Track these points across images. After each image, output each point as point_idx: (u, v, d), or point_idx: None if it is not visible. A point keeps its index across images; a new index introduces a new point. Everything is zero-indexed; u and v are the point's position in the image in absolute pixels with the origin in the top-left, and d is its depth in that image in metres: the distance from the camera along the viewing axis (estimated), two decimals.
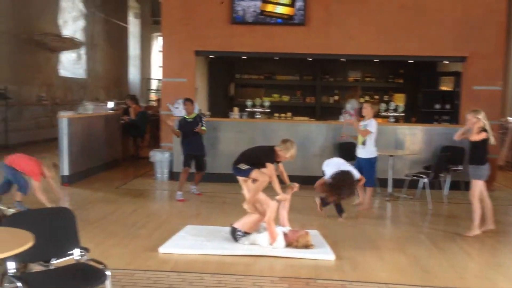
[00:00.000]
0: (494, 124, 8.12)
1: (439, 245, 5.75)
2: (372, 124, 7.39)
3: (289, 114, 11.61)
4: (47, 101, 15.19)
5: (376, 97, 12.80)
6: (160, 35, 13.47)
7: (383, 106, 9.53)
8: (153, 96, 22.38)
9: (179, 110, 9.22)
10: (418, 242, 5.88)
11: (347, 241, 5.78)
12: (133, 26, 21.80)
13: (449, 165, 8.17)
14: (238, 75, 13.23)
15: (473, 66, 9.28)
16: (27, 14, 14.08)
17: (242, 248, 5.33)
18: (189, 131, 7.73)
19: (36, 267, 3.59)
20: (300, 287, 4.42)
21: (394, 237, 6.18)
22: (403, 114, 9.90)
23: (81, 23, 17.47)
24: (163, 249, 5.22)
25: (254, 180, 5.64)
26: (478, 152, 6.13)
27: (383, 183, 8.29)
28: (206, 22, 9.44)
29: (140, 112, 12.21)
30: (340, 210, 6.82)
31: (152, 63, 23.84)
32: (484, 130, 6.06)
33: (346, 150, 8.23)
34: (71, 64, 17.35)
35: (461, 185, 8.44)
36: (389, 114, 9.34)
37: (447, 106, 11.31)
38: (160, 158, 9.21)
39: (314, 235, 5.69)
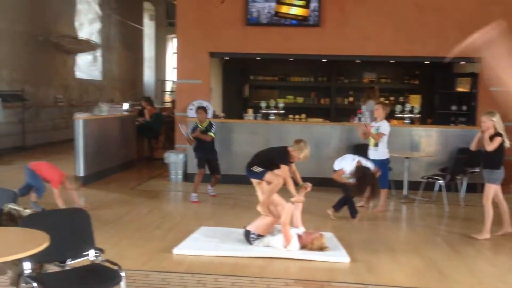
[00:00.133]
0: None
1: (456, 248, 5.68)
2: (384, 126, 7.32)
3: (303, 115, 11.56)
4: (64, 103, 15.35)
5: (392, 98, 12.69)
6: (174, 37, 13.52)
7: (398, 107, 9.44)
8: (167, 97, 22.49)
9: (194, 112, 9.23)
10: (435, 245, 5.81)
11: (362, 244, 5.73)
12: (148, 28, 21.93)
13: (466, 167, 8.07)
14: (253, 76, 13.22)
15: (490, 67, 9.14)
16: (44, 16, 14.24)
17: (257, 250, 5.31)
18: (200, 140, 7.75)
19: (51, 268, 3.61)
20: None
21: (410, 240, 6.12)
22: (418, 116, 9.80)
23: (97, 25, 17.63)
24: (177, 250, 5.23)
25: (268, 182, 5.62)
26: (493, 156, 6.03)
27: (398, 185, 8.21)
28: (220, 24, 9.44)
29: (154, 113, 12.27)
30: (353, 212, 6.76)
31: (166, 64, 23.97)
32: (498, 134, 5.97)
33: (361, 152, 8.15)
34: (87, 66, 17.51)
35: (478, 188, 8.33)
36: (404, 115, 9.25)
37: (464, 108, 11.18)
38: (174, 159, 9.23)
39: (328, 237, 5.65)
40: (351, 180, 6.60)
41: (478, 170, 8.16)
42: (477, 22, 9.59)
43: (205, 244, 5.44)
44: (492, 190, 6.02)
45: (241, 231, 5.67)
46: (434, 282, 4.66)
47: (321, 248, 5.27)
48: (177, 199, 8.42)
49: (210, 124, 7.90)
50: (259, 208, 5.60)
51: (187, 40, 9.58)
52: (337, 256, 5.19)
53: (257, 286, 4.41)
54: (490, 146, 5.94)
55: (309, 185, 5.72)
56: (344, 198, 6.81)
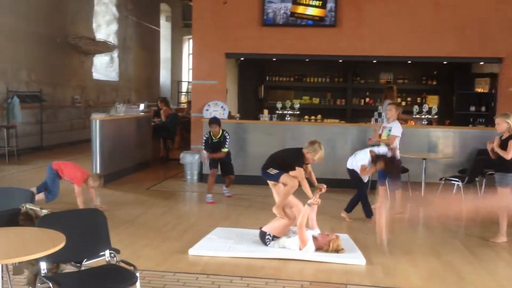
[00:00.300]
0: None
1: (475, 251, 5.58)
2: (396, 127, 7.23)
3: (319, 116, 11.50)
4: (81, 103, 15.49)
5: (409, 99, 12.57)
6: (190, 38, 13.54)
7: (416, 108, 9.34)
8: (183, 98, 22.59)
9: (209, 113, 9.25)
10: (453, 248, 5.72)
11: (378, 246, 5.66)
12: (165, 29, 22.04)
13: (485, 168, 7.94)
14: (268, 77, 13.19)
15: (510, 67, 9.01)
16: (62, 18, 14.39)
17: (272, 251, 5.28)
18: (216, 150, 7.73)
19: (68, 268, 3.63)
20: None
21: (427, 243, 6.03)
22: (436, 117, 9.69)
23: (114, 26, 17.77)
24: (192, 251, 5.22)
25: (284, 184, 5.59)
26: (505, 159, 5.92)
27: (416, 187, 8.11)
28: (236, 25, 9.44)
29: (170, 114, 12.31)
30: (369, 212, 6.68)
31: (182, 65, 24.06)
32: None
33: None
34: (104, 67, 17.66)
35: (497, 189, 8.18)
36: (422, 116, 9.14)
37: (483, 109, 11.03)
38: (190, 160, 9.24)
39: (344, 239, 5.60)
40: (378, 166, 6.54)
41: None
42: (496, 21, 9.51)
43: (220, 245, 5.42)
44: (505, 194, 5.90)
45: (256, 232, 5.65)
46: (453, 285, 4.58)
47: (337, 250, 5.23)
48: (193, 200, 8.43)
49: (224, 138, 7.78)
50: (274, 210, 5.57)
51: (203, 41, 9.59)
52: (353, 258, 5.14)
53: None
54: (508, 155, 5.82)
55: (324, 186, 5.66)
56: (356, 198, 6.75)
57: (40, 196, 6.75)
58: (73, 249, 3.32)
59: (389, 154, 6.64)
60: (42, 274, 3.21)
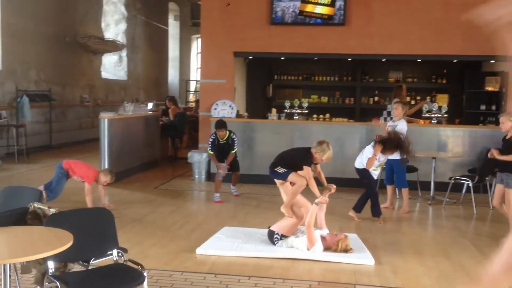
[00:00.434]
0: None
1: (485, 251, 5.52)
2: (403, 125, 7.18)
3: (327, 115, 11.46)
4: (89, 102, 15.56)
5: (418, 98, 12.48)
6: (199, 37, 13.55)
7: (425, 107, 9.26)
8: (191, 97, 22.61)
9: (217, 112, 9.24)
10: (462, 248, 5.66)
11: (387, 245, 5.63)
12: (173, 28, 22.07)
13: (495, 168, 7.85)
14: (277, 76, 13.16)
15: None
16: (71, 17, 14.45)
17: (280, 251, 5.25)
18: (221, 151, 7.75)
19: (75, 267, 3.63)
20: None
21: (436, 242, 5.97)
22: (446, 116, 9.60)
23: (123, 26, 17.82)
24: (200, 250, 5.21)
25: (292, 183, 5.57)
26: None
27: (425, 186, 8.06)
28: (245, 23, 9.42)
29: (178, 113, 12.32)
30: (377, 212, 6.64)
31: (191, 64, 24.09)
32: None
33: None
34: (112, 66, 17.72)
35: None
36: (432, 115, 9.07)
37: (493, 107, 10.92)
38: (198, 159, 9.24)
39: (353, 238, 5.56)
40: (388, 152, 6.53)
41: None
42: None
43: (228, 244, 5.41)
44: None
45: (264, 231, 5.63)
46: (462, 286, 4.53)
47: (346, 250, 5.19)
48: (200, 199, 8.42)
49: (233, 140, 7.78)
50: (282, 209, 5.55)
51: (211, 39, 9.59)
52: (362, 258, 5.10)
53: None
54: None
55: (333, 187, 5.61)
56: (364, 197, 6.71)
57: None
58: (80, 248, 3.32)
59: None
60: (49, 273, 3.21)
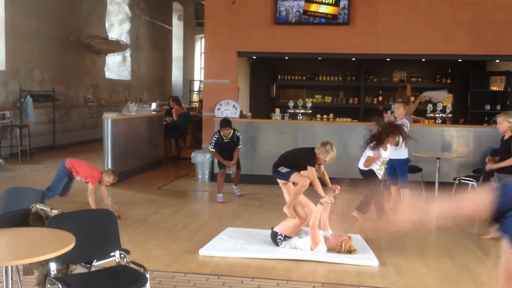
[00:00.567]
0: None
1: (489, 252, 5.49)
2: (406, 125, 7.15)
3: (331, 115, 11.41)
4: (93, 103, 15.57)
5: None
6: (203, 37, 13.55)
7: (429, 107, 9.22)
8: (195, 97, 22.60)
9: (221, 112, 9.22)
10: (466, 249, 5.63)
11: (390, 246, 5.59)
12: (177, 28, 22.07)
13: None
14: (280, 75, 13.14)
15: None
16: (75, 17, 14.46)
17: (283, 252, 5.23)
18: (225, 149, 7.73)
19: (78, 269, 3.62)
20: None
21: (440, 243, 5.94)
22: (450, 115, 9.56)
23: (127, 26, 17.82)
24: (203, 251, 5.19)
25: (294, 183, 5.54)
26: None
27: (429, 187, 8.01)
28: (248, 23, 9.39)
29: (182, 113, 12.31)
30: (381, 212, 6.61)
31: (194, 64, 24.09)
32: None
33: None
34: (116, 66, 17.73)
35: None
36: (436, 115, 9.02)
37: (498, 107, 10.87)
38: (201, 159, 9.22)
39: (356, 239, 5.53)
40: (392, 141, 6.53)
41: None
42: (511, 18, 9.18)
43: (231, 245, 5.39)
44: None
45: (267, 232, 5.61)
46: (466, 287, 4.50)
47: (350, 251, 5.17)
48: (204, 199, 8.40)
49: (238, 138, 7.80)
50: (285, 210, 5.52)
51: (215, 39, 9.57)
52: (365, 259, 5.08)
53: None
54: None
55: (337, 188, 5.57)
56: (367, 197, 6.68)
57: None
58: (83, 249, 3.30)
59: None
60: (51, 275, 3.19)
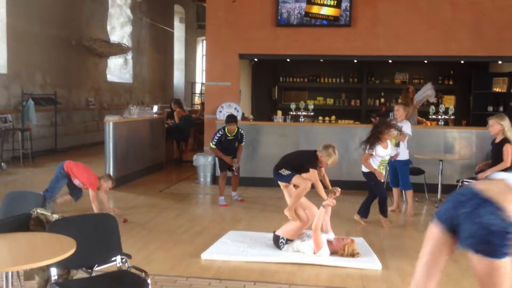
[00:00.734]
0: None
1: None
2: (407, 126, 7.14)
3: (333, 117, 11.40)
4: (95, 106, 15.56)
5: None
6: (204, 39, 13.54)
7: (432, 108, 9.19)
8: (197, 100, 22.60)
9: (222, 114, 9.20)
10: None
11: (394, 249, 5.56)
12: (178, 30, 22.07)
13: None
14: (282, 78, 13.12)
15: None
16: (77, 20, 14.46)
17: (286, 255, 5.20)
18: (228, 147, 7.70)
19: (79, 274, 3.59)
20: None
21: None
22: (453, 117, 9.52)
23: (128, 28, 17.83)
24: (205, 255, 5.16)
25: (296, 186, 5.51)
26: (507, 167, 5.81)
27: (432, 189, 7.98)
28: (250, 25, 9.38)
29: (183, 116, 12.29)
30: (385, 213, 6.57)
31: (196, 67, 24.09)
32: (506, 140, 5.72)
33: None
34: (118, 69, 17.72)
35: None
36: (438, 117, 8.99)
37: (501, 109, 10.83)
38: (203, 162, 9.20)
39: (359, 242, 5.50)
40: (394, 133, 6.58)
41: None
42: None
43: (234, 248, 5.36)
44: None
45: (270, 235, 5.58)
46: None
47: (353, 254, 5.13)
48: (206, 203, 8.38)
49: (242, 135, 7.79)
50: (286, 212, 5.49)
51: (216, 42, 9.55)
52: (369, 262, 5.04)
53: None
54: (506, 163, 5.71)
55: (338, 190, 5.55)
56: (368, 201, 6.65)
57: (66, 198, 6.75)
58: (84, 254, 3.28)
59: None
60: (52, 281, 3.17)
